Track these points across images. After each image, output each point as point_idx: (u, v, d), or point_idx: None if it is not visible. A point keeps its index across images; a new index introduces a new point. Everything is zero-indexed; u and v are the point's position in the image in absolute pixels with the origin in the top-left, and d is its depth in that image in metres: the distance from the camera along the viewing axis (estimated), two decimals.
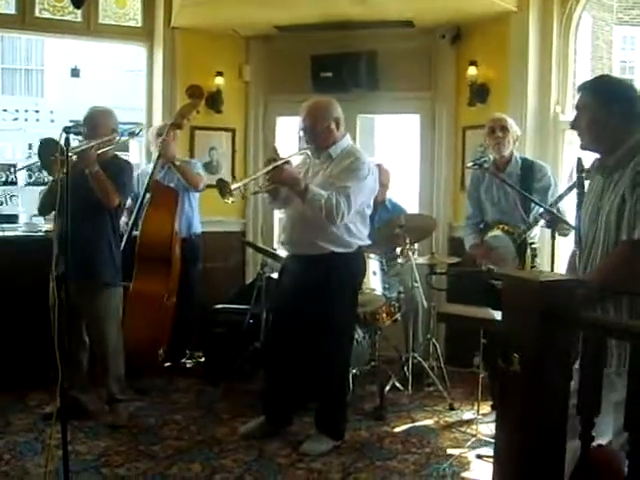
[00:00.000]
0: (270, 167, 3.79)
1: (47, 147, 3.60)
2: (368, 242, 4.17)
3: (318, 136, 3.97)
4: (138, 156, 5.24)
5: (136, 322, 4.69)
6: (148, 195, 4.96)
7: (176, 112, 5.20)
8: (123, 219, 4.84)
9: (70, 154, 3.41)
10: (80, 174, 3.83)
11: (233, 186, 3.68)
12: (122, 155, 4.65)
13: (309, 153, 4.04)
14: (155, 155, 5.10)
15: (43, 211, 4.27)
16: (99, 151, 4.05)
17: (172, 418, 4.50)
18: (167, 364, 5.25)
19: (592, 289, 2.44)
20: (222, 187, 3.66)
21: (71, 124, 3.77)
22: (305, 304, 3.98)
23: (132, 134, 4.53)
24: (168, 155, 5.02)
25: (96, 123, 4.07)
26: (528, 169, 4.46)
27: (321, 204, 3.77)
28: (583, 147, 2.77)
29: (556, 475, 2.07)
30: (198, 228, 5.34)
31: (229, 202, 3.67)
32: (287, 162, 3.85)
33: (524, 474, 2.07)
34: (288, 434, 4.22)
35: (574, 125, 2.75)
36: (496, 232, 4.41)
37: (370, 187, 4.00)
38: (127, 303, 4.72)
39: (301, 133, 4.04)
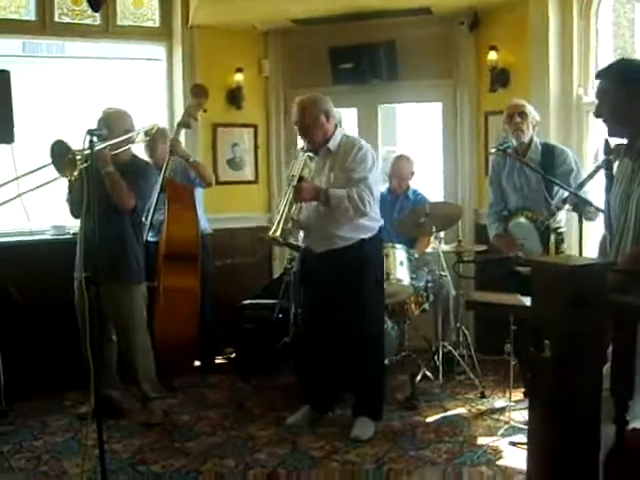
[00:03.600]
0: (289, 193, 3.94)
1: (58, 149, 3.61)
2: (382, 220, 4.33)
3: (308, 130, 4.08)
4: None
5: (174, 320, 4.72)
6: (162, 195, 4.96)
7: (183, 112, 5.21)
8: None
9: (80, 157, 3.43)
10: (98, 175, 3.86)
11: (276, 234, 3.85)
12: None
13: (309, 155, 4.10)
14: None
15: (74, 214, 4.30)
16: (114, 152, 4.07)
17: (205, 414, 4.54)
18: (197, 363, 5.30)
19: (625, 274, 2.41)
20: (273, 242, 3.90)
21: (95, 127, 3.80)
22: (341, 295, 4.08)
23: (147, 134, 4.52)
24: (182, 153, 5.02)
25: (110, 124, 4.07)
26: (549, 154, 4.42)
27: (346, 204, 3.93)
28: (611, 134, 2.73)
29: (591, 460, 2.05)
30: (207, 227, 5.31)
31: (283, 240, 3.96)
32: (300, 179, 3.97)
33: (558, 460, 2.06)
34: (321, 426, 4.25)
35: (598, 113, 2.71)
36: (519, 219, 4.38)
37: (379, 170, 4.26)
38: (159, 302, 4.76)
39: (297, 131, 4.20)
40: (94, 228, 3.37)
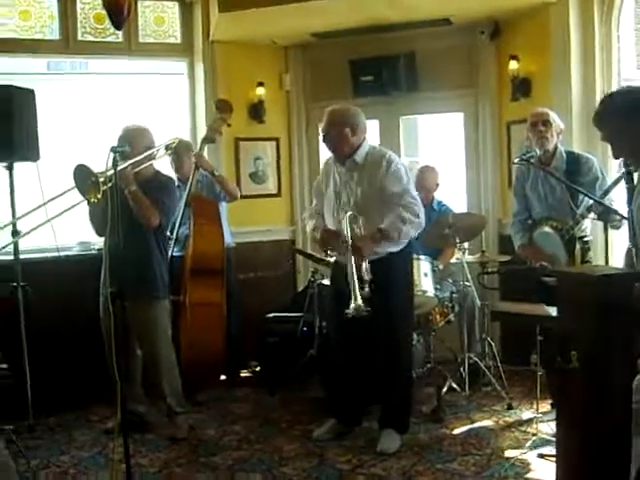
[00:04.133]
0: (350, 260, 3.81)
1: (80, 174, 3.64)
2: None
3: (333, 141, 4.08)
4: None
5: (200, 334, 4.75)
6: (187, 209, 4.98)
7: (207, 127, 5.26)
8: None
9: (102, 179, 3.46)
10: (122, 194, 3.89)
11: (359, 303, 3.71)
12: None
13: (352, 214, 3.98)
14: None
15: (99, 232, 4.34)
16: (136, 169, 4.09)
17: (231, 428, 4.54)
18: (222, 377, 5.30)
19: None
20: (360, 311, 3.70)
21: (117, 144, 3.82)
22: (370, 307, 4.01)
23: (168, 148, 4.54)
24: (207, 167, 5.07)
25: (131, 141, 4.06)
26: (574, 162, 4.38)
27: (405, 228, 3.93)
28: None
29: (622, 472, 2.03)
30: (230, 241, 5.31)
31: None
32: (351, 243, 3.87)
33: (588, 473, 2.04)
34: (347, 439, 4.23)
35: (617, 154, 2.68)
36: (544, 229, 4.34)
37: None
38: (185, 317, 4.78)
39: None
40: (119, 245, 3.40)
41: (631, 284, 2.06)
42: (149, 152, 4.21)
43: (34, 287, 4.55)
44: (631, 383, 2.01)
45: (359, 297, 3.72)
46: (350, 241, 3.87)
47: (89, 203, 3.83)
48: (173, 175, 5.14)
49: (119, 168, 3.48)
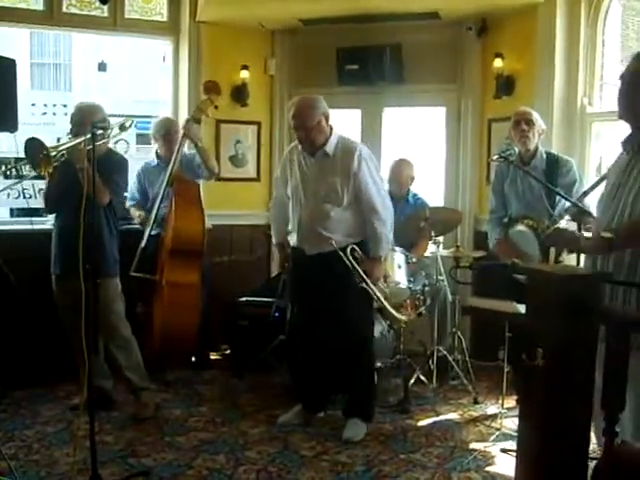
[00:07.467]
0: (371, 289, 4.03)
1: (32, 146, 3.59)
2: None
3: (311, 133, 4.03)
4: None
5: (176, 314, 4.72)
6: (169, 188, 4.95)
7: (195, 108, 5.22)
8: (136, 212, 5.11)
9: (54, 153, 3.43)
10: (73, 170, 3.85)
11: (402, 319, 4.15)
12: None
13: (354, 249, 4.06)
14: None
15: (48, 208, 4.31)
16: (88, 147, 4.04)
17: (197, 410, 4.55)
18: (192, 358, 5.29)
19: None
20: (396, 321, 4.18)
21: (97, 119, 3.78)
22: (329, 297, 4.07)
23: (122, 128, 4.48)
24: (194, 137, 5.03)
25: (82, 119, 3.99)
26: (553, 164, 4.42)
27: (384, 241, 4.11)
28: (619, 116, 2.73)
29: (579, 471, 2.06)
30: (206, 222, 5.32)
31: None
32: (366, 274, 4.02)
33: (547, 469, 2.06)
34: (312, 426, 4.26)
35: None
36: (520, 227, 4.38)
37: (379, 169, 4.31)
38: (161, 296, 4.77)
39: (295, 132, 4.15)
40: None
41: (599, 284, 2.10)
42: (102, 130, 4.13)
43: (6, 259, 4.50)
44: (592, 384, 2.05)
45: (396, 313, 4.03)
46: (364, 274, 3.99)
47: (49, 178, 3.81)
48: (154, 154, 5.16)
49: (70, 144, 3.45)
